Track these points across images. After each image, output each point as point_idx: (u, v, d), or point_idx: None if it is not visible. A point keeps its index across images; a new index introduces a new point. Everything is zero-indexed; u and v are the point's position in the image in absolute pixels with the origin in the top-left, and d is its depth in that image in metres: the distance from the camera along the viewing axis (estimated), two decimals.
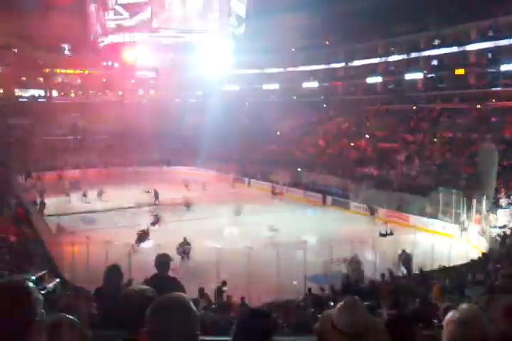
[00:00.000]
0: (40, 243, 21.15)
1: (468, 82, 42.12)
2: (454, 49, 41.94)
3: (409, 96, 45.62)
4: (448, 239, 22.35)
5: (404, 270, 18.90)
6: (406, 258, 19.30)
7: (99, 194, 33.39)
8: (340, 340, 2.35)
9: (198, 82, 62.69)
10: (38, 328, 1.76)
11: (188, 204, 30.77)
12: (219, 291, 15.67)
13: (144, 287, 2.69)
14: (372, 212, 29.13)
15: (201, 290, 14.92)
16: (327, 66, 54.97)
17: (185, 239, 21.31)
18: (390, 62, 48.33)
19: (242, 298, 14.02)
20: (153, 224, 26.60)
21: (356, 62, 51.62)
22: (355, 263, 18.77)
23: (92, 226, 26.01)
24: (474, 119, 37.56)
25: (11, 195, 29.11)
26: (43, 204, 29.01)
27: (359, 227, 26.39)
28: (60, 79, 59.80)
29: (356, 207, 31.39)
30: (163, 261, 5.52)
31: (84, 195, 33.34)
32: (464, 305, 2.18)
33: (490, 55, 40.51)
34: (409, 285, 13.79)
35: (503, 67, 38.35)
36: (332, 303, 11.41)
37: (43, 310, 1.80)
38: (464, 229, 24.29)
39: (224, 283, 16.05)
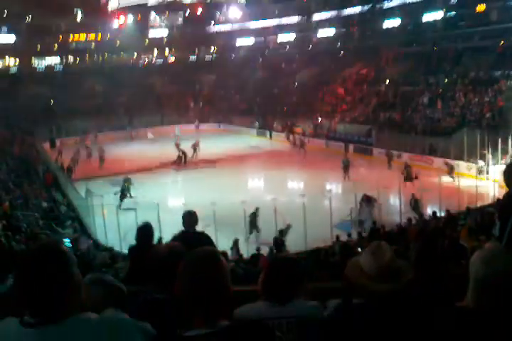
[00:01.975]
0: (70, 207, 21.68)
1: (490, 18, 40.54)
2: None
3: (429, 37, 44.20)
4: (474, 180, 22.18)
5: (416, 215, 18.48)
6: (415, 204, 19.35)
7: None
8: (369, 284, 2.40)
9: (212, 38, 61.79)
10: (75, 287, 1.84)
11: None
12: (279, 243, 15.50)
13: (173, 243, 2.77)
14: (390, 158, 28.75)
15: (236, 242, 15.31)
16: (342, 12, 53.25)
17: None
18: (407, 3, 46.51)
19: (271, 249, 14.33)
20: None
21: (372, 6, 49.84)
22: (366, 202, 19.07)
23: (119, 188, 26.37)
24: (497, 57, 36.42)
25: (39, 162, 29.68)
26: (70, 170, 29.43)
27: (383, 173, 26.33)
28: (74, 45, 59.29)
29: (380, 153, 31.15)
30: (189, 217, 5.62)
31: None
32: (488, 244, 2.20)
33: None
34: (437, 227, 13.84)
35: None
36: (360, 249, 11.59)
37: (78, 271, 1.88)
38: (487, 170, 24.02)
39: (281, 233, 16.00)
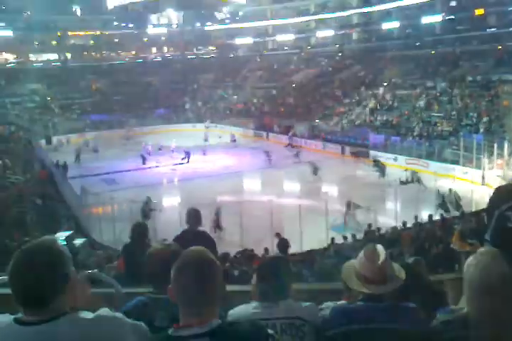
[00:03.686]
0: (65, 204, 21.59)
1: (488, 23, 40.72)
2: None
3: (427, 40, 44.36)
4: (469, 184, 22.25)
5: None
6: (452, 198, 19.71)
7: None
8: (364, 287, 2.41)
9: (211, 37, 61.84)
10: (70, 285, 1.84)
11: None
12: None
13: (168, 242, 2.77)
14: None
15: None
16: (341, 13, 53.33)
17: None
18: (406, 5, 46.65)
19: (266, 250, 14.26)
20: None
21: (371, 8, 49.97)
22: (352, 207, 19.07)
23: (115, 186, 26.33)
24: (495, 61, 36.56)
25: (35, 158, 29.58)
26: (65, 167, 29.36)
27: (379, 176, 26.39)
28: (72, 42, 59.21)
29: (377, 156, 31.17)
30: (195, 215, 5.49)
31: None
32: (482, 249, 2.21)
33: None
34: (432, 232, 13.88)
35: None
36: (355, 251, 11.60)
37: (73, 268, 1.88)
38: (484, 175, 24.06)
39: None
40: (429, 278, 3.07)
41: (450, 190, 20.49)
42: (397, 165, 28.44)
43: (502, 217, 2.51)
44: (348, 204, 19.40)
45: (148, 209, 19.39)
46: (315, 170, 26.60)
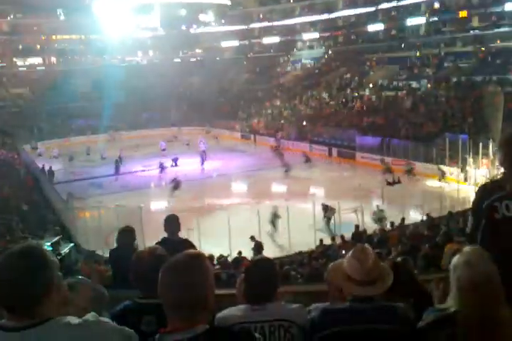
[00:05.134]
0: (51, 210, 21.43)
1: (471, 24, 41.13)
2: None
3: (412, 42, 44.68)
4: (455, 184, 22.41)
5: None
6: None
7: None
8: (352, 288, 2.41)
9: (197, 40, 61.71)
10: (56, 291, 1.81)
11: None
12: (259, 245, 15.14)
13: (155, 246, 2.76)
14: None
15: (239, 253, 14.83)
16: (326, 15, 53.49)
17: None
18: (390, 7, 46.95)
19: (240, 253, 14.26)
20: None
21: (356, 10, 50.23)
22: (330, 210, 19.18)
23: (101, 191, 26.19)
24: (478, 62, 36.91)
25: (20, 164, 29.35)
26: (51, 172, 29.17)
27: (366, 177, 26.47)
28: (57, 46, 58.75)
29: (363, 157, 31.33)
30: (172, 222, 5.34)
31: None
32: (467, 248, 2.22)
33: None
34: (419, 232, 13.95)
35: (508, 7, 37.20)
36: (343, 252, 11.62)
37: (59, 274, 1.85)
38: (466, 173, 24.23)
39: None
40: (416, 277, 3.07)
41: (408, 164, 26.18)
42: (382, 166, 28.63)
43: (490, 208, 2.55)
44: (324, 208, 19.35)
45: (275, 218, 18.73)
46: (176, 186, 25.41)
